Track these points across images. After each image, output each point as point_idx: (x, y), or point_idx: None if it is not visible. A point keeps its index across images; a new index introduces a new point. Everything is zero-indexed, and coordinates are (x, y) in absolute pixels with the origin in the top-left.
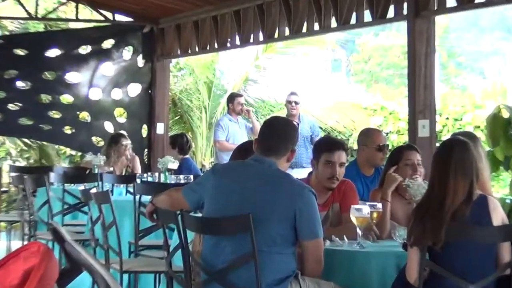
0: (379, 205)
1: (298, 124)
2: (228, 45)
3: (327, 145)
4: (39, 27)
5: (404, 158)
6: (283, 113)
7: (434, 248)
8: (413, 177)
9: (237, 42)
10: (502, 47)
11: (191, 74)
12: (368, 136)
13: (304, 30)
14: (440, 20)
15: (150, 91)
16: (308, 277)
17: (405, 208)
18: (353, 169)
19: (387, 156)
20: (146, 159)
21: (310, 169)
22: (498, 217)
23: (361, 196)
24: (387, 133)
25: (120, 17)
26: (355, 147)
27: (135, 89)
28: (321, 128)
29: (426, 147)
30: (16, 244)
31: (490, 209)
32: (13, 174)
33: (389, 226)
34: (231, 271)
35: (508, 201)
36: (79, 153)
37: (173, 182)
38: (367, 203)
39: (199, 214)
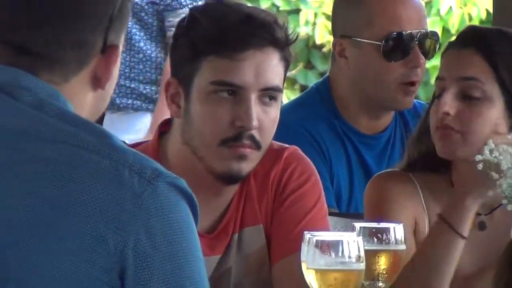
0: (399, 229)
1: None
2: None
3: (219, 29)
4: None
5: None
6: None
7: None
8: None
9: None
10: None
11: None
12: (361, 7)
13: None
14: None
15: None
16: None
17: (479, 240)
18: (316, 112)
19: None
20: None
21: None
22: None
23: (347, 194)
24: None
25: None
26: (320, 41)
27: None
28: None
29: None
30: None
31: None
32: None
33: None
34: None
35: None
36: None
37: None
38: (361, 223)
39: None
